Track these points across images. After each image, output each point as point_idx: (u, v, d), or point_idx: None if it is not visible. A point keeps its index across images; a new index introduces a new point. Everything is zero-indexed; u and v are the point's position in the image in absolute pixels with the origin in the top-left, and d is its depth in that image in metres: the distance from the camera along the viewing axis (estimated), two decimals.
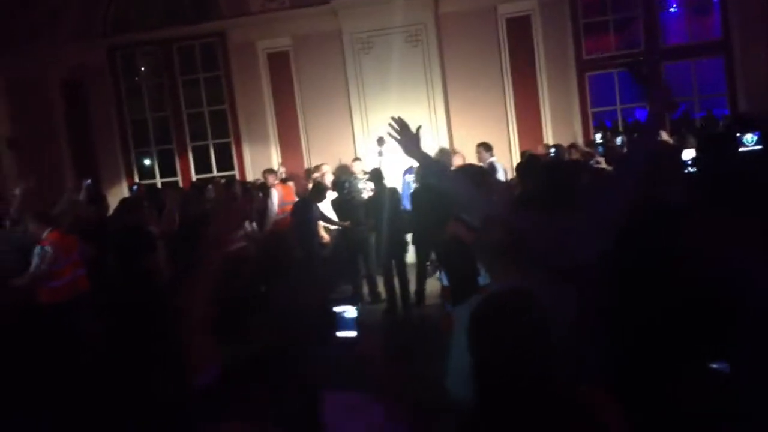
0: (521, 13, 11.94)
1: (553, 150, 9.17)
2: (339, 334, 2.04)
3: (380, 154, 11.33)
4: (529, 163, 7.80)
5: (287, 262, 9.07)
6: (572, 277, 3.10)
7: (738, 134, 3.74)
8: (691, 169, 4.49)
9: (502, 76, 12.02)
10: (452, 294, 3.63)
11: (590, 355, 2.71)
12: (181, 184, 12.86)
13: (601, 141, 9.09)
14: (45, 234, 6.88)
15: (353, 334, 2.08)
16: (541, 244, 3.23)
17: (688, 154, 4.78)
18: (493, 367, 1.75)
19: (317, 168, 11.19)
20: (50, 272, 6.76)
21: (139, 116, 13.62)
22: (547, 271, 2.90)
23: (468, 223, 3.71)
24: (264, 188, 10.74)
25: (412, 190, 9.56)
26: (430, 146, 11.86)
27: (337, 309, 2.08)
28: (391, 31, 11.99)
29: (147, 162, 13.76)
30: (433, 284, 9.05)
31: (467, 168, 5.51)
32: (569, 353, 2.26)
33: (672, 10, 12.27)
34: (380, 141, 11.40)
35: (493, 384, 1.75)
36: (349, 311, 2.10)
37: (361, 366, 2.06)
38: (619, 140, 8.90)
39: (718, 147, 4.01)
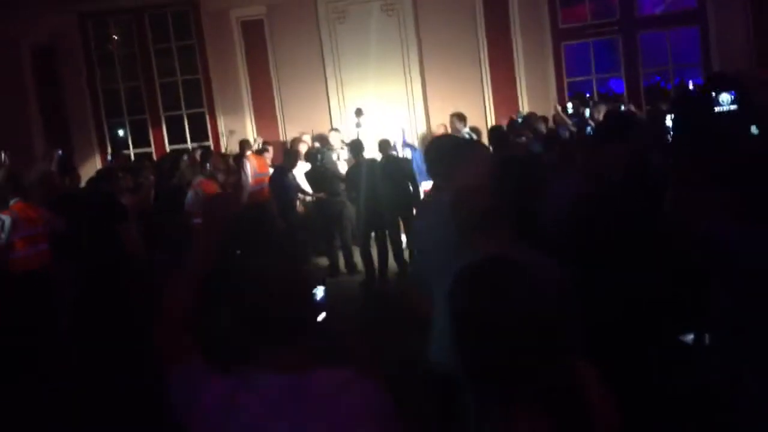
0: None
1: (520, 118, 9.13)
2: None
3: (358, 125, 11.27)
4: (495, 135, 7.83)
5: (269, 232, 9.00)
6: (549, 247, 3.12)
7: (713, 94, 3.69)
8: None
9: (478, 45, 11.95)
10: None
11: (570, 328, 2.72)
12: (154, 155, 12.69)
13: (573, 110, 9.08)
14: (10, 203, 6.75)
15: (322, 315, 2.03)
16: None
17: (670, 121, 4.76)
18: (479, 338, 1.65)
19: (296, 139, 11.08)
20: (10, 243, 6.60)
21: (112, 86, 13.37)
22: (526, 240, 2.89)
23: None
24: (238, 159, 10.65)
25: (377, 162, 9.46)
26: (405, 116, 11.84)
27: None
28: (366, 0, 11.86)
29: (120, 132, 13.55)
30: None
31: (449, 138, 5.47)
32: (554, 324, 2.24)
33: None
34: (358, 112, 11.34)
35: (478, 356, 1.67)
36: (318, 291, 2.04)
37: (333, 344, 2.03)
38: (587, 112, 8.88)
39: (691, 107, 4.00)
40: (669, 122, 4.93)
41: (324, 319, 2.05)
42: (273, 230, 8.95)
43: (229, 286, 1.87)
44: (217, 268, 2.12)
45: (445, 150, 3.54)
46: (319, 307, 2.04)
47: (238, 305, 1.83)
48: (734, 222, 2.44)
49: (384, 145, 9.32)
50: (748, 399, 2.44)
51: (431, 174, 3.80)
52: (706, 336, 2.96)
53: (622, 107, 8.71)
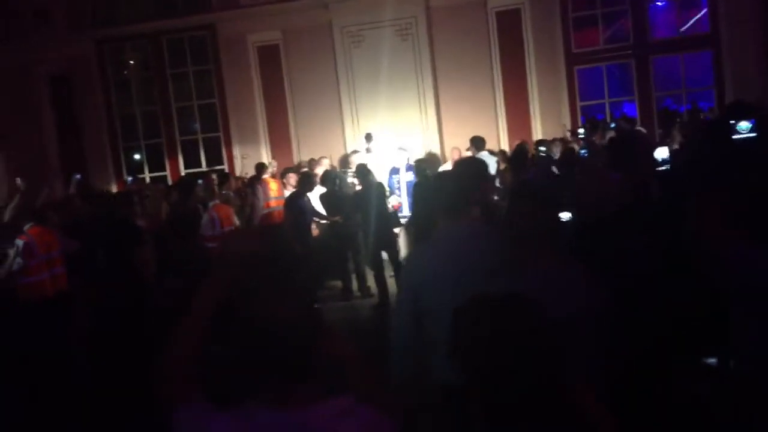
0: (511, 7, 11.95)
1: (543, 149, 9.11)
2: None
3: (368, 150, 11.32)
4: (519, 154, 7.85)
5: (287, 257, 8.97)
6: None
7: (732, 121, 3.69)
8: (665, 167, 4.50)
9: (492, 69, 12.03)
10: None
11: (590, 351, 2.73)
12: (170, 179, 12.80)
13: (583, 134, 9.05)
14: (26, 228, 6.79)
15: None
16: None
17: (662, 153, 4.78)
18: (483, 371, 1.73)
19: (317, 161, 11.13)
20: (26, 267, 6.63)
21: (128, 110, 13.55)
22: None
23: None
24: (251, 182, 10.72)
25: (413, 184, 9.49)
26: (419, 138, 11.89)
27: None
28: (381, 24, 11.98)
29: (136, 157, 13.69)
30: None
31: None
32: (570, 350, 2.27)
33: (659, 3, 12.30)
34: (368, 137, 11.40)
35: (478, 379, 1.75)
36: None
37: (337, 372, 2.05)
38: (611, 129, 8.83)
39: (710, 133, 4.01)
40: (663, 153, 4.91)
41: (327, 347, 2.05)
42: (288, 254, 8.94)
43: (238, 324, 1.88)
44: (227, 302, 2.13)
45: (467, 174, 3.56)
46: None
47: (247, 344, 1.86)
48: (756, 245, 2.44)
49: (423, 165, 9.37)
50: None
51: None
52: (731, 359, 2.95)
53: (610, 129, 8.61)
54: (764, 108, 4.30)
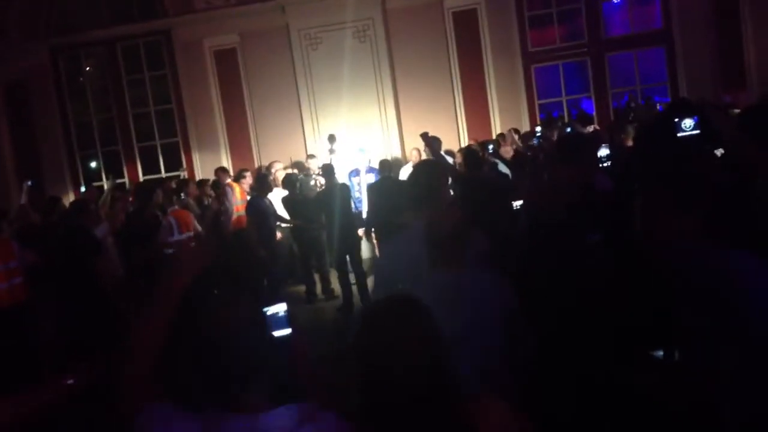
0: (467, 7, 12.04)
1: (491, 147, 9.18)
2: (274, 333, 1.99)
3: (331, 151, 11.31)
4: (472, 154, 7.93)
5: (254, 262, 8.92)
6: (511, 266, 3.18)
7: (676, 119, 3.78)
8: (606, 164, 4.60)
9: (450, 69, 12.11)
10: None
11: (528, 342, 2.77)
12: (128, 187, 12.62)
13: (539, 134, 9.15)
14: None
15: (287, 331, 2.03)
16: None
17: (603, 151, 4.88)
18: (378, 377, 1.77)
19: (270, 165, 11.10)
20: None
21: (84, 118, 13.32)
22: (487, 261, 2.95)
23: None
24: (216, 187, 10.63)
25: (369, 184, 9.50)
26: (380, 140, 11.91)
27: (267, 310, 2.02)
28: (339, 26, 11.97)
29: (93, 164, 13.47)
30: None
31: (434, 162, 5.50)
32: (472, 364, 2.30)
33: (614, 1, 12.49)
34: (331, 138, 11.39)
35: (377, 393, 1.78)
36: (280, 309, 2.05)
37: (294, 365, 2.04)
38: (538, 128, 8.98)
39: (655, 130, 4.09)
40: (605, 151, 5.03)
41: (289, 337, 2.04)
42: (246, 260, 8.87)
43: (192, 334, 1.88)
44: (187, 310, 2.12)
45: (421, 177, 3.61)
46: (282, 325, 2.03)
47: (201, 355, 1.86)
48: (704, 242, 2.48)
49: (386, 167, 9.36)
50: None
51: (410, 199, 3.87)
52: (676, 352, 3.02)
53: (568, 129, 8.74)
54: (706, 106, 4.40)
